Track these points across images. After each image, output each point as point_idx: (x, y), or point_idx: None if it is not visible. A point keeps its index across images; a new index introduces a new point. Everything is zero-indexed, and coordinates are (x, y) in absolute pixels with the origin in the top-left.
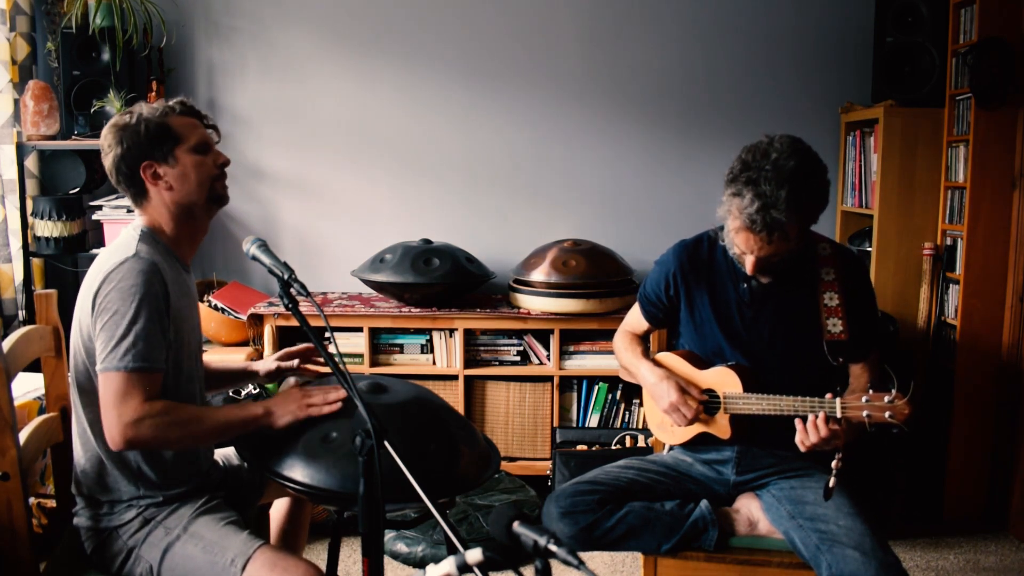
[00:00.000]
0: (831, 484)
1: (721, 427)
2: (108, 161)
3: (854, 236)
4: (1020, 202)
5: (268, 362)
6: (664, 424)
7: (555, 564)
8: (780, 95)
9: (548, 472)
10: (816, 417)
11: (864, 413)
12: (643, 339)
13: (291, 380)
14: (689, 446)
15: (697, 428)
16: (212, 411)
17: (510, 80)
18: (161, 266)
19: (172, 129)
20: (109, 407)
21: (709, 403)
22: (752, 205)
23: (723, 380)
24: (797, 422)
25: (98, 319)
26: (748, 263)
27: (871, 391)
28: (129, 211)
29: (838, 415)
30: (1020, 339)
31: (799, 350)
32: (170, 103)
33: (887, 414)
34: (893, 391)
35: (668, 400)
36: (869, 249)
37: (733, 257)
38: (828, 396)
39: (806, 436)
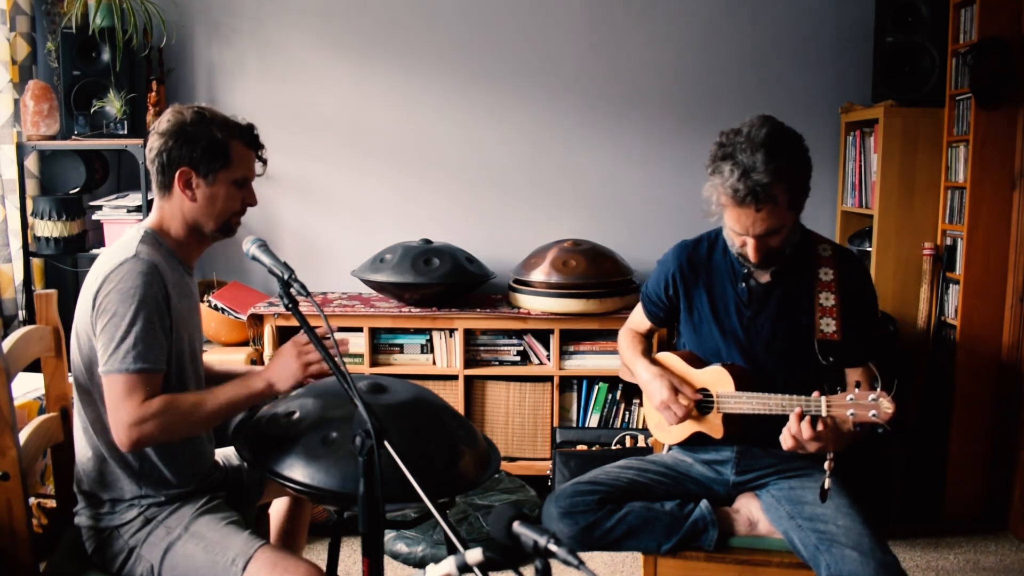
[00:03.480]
0: (826, 486)
1: (714, 426)
2: (154, 141)
3: (854, 236)
4: (1020, 202)
5: None
6: (662, 423)
7: (555, 564)
8: (780, 95)
9: (548, 472)
10: (800, 417)
11: (849, 411)
12: (646, 337)
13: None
14: (688, 446)
15: (691, 427)
16: (212, 394)
17: (510, 79)
18: (161, 267)
19: (229, 153)
20: (113, 409)
21: (703, 402)
22: (732, 175)
23: (717, 379)
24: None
25: (98, 320)
26: (750, 248)
27: (857, 390)
28: (129, 211)
29: (823, 413)
30: (1020, 339)
31: (795, 350)
32: (244, 125)
33: (871, 413)
34: (878, 389)
35: (659, 398)
36: (869, 249)
37: (736, 255)
38: (815, 394)
39: (787, 434)
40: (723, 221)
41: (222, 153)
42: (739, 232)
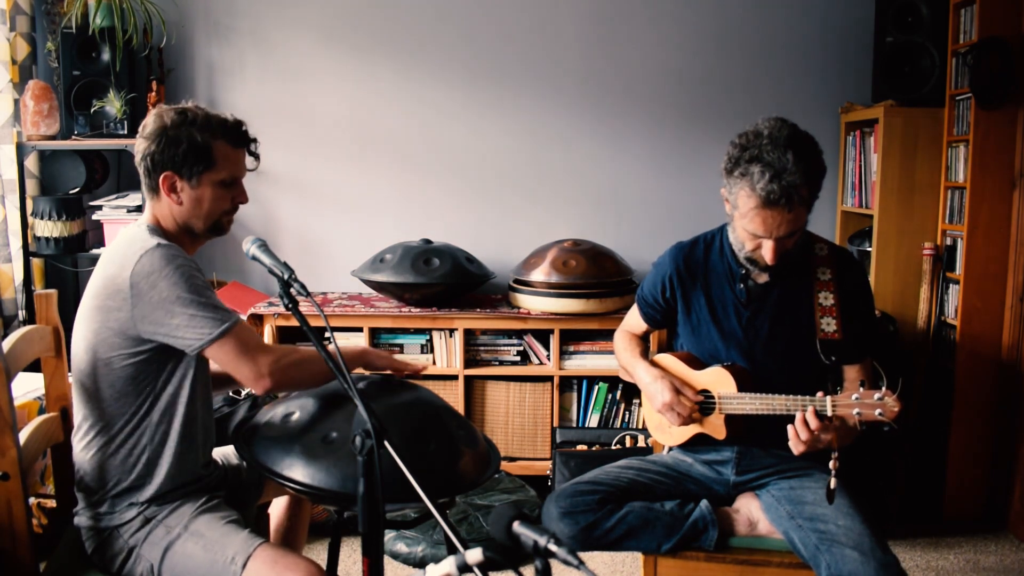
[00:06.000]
0: (832, 486)
1: (716, 427)
2: (139, 144)
3: (854, 236)
4: (1020, 202)
5: None
6: (662, 425)
7: (555, 564)
8: (780, 95)
9: (548, 472)
10: (804, 412)
11: (854, 411)
12: (643, 339)
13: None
14: (688, 446)
15: (693, 429)
16: (317, 349)
17: (510, 79)
18: None
19: (211, 154)
20: (242, 364)
21: (705, 404)
22: (764, 177)
23: (718, 380)
24: (790, 427)
25: (156, 311)
26: (767, 251)
27: (861, 389)
28: (129, 211)
29: (829, 413)
30: (1020, 339)
31: (795, 349)
32: (230, 123)
33: (877, 412)
34: (883, 388)
35: (662, 400)
36: (869, 249)
37: (745, 258)
38: (820, 394)
39: (797, 436)
40: (736, 224)
41: (204, 155)
42: (760, 235)
